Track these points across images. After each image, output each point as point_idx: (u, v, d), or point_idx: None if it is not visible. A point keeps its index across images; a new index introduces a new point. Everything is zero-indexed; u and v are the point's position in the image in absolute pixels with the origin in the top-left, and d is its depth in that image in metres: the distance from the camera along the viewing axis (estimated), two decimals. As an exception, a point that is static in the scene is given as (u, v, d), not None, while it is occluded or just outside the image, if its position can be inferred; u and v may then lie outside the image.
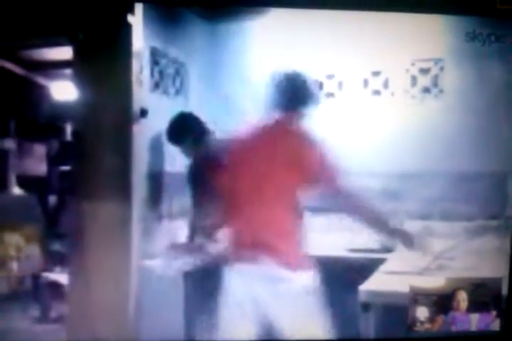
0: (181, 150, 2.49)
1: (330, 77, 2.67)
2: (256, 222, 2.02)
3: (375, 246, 2.45)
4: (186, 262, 2.31)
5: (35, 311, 2.48)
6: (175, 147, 2.48)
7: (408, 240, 2.17)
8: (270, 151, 2.07)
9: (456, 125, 2.53)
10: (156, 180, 2.47)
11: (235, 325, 2.03)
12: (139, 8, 2.07)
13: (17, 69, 2.93)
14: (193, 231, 2.49)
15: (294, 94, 2.18)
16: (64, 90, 2.93)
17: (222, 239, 2.16)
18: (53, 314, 2.45)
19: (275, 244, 1.99)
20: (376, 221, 2.13)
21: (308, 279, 2.02)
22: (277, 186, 2.03)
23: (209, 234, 2.49)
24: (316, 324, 2.03)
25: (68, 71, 2.45)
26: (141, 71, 2.14)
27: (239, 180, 2.05)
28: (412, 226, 2.62)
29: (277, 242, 2.00)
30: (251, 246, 1.98)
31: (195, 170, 2.46)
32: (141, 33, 2.11)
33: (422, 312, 2.15)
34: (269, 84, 2.22)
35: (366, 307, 2.13)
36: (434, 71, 2.67)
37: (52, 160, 2.99)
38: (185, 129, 2.45)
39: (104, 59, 2.05)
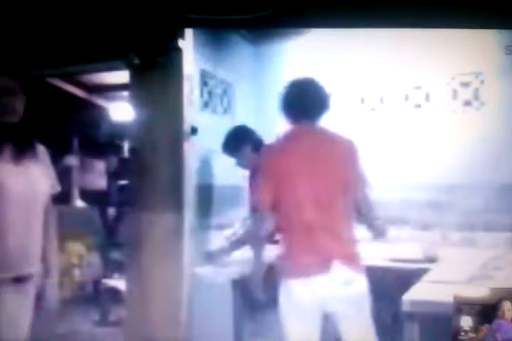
0: (237, 160, 2.48)
1: (371, 92, 2.72)
2: (320, 229, 1.93)
3: (418, 256, 2.46)
4: (235, 270, 2.37)
5: (95, 315, 2.61)
6: (231, 158, 2.48)
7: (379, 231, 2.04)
8: (314, 159, 1.96)
9: (498, 137, 2.54)
10: (207, 193, 2.55)
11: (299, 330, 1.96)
12: (188, 33, 2.17)
13: (79, 92, 3.12)
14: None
15: (313, 101, 1.97)
16: (121, 111, 3.10)
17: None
18: (112, 317, 2.57)
19: (343, 250, 1.94)
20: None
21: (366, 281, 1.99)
22: (328, 192, 1.95)
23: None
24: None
25: (125, 93, 2.58)
26: (191, 92, 2.23)
27: (297, 190, 1.94)
28: (456, 236, 2.62)
29: (343, 246, 1.95)
30: (320, 255, 1.91)
31: (254, 179, 2.39)
32: (191, 56, 2.20)
33: (466, 322, 2.13)
34: (284, 94, 1.99)
35: (410, 316, 2.13)
36: (475, 84, 2.69)
37: (112, 175, 3.14)
38: (243, 140, 2.46)
39: (157, 81, 2.16)
